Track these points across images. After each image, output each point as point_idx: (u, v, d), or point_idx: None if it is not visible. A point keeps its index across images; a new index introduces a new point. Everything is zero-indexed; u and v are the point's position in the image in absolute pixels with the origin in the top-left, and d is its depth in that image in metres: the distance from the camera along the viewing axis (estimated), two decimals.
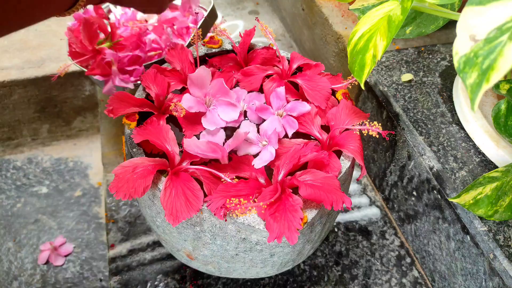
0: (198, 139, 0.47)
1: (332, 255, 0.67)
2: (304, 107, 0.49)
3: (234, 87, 0.54)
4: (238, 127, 0.50)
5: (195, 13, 0.79)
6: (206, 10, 0.81)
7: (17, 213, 0.71)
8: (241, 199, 0.39)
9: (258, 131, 0.49)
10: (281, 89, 0.50)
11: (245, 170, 0.44)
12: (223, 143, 0.48)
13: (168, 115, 0.49)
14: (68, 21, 1.00)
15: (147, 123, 0.47)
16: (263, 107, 0.49)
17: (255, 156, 0.46)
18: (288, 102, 0.51)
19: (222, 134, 0.48)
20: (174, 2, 0.85)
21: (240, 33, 0.56)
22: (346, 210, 0.73)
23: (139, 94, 0.52)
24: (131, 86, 0.64)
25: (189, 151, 0.42)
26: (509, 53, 0.29)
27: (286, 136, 0.49)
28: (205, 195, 0.42)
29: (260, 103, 0.50)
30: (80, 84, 0.86)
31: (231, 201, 0.39)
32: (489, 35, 0.31)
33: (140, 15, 0.78)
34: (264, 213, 0.40)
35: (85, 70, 0.71)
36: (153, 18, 0.79)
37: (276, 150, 0.46)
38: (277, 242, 0.39)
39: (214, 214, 0.40)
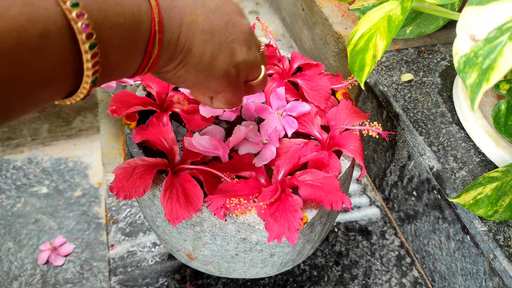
0: None
1: (332, 255, 0.67)
2: (303, 107, 0.49)
3: None
4: (234, 121, 0.50)
5: None
6: None
7: (17, 213, 0.71)
8: (241, 199, 0.39)
9: (258, 130, 0.49)
10: (281, 89, 0.50)
11: (245, 170, 0.44)
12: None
13: (170, 112, 0.49)
14: None
15: (148, 123, 0.47)
16: (263, 107, 0.49)
17: (255, 155, 0.46)
18: (288, 102, 0.51)
19: (222, 133, 0.48)
20: None
21: None
22: (346, 210, 0.73)
23: (140, 93, 0.52)
24: (131, 81, 0.64)
25: (190, 148, 0.42)
26: (509, 53, 0.29)
27: (285, 136, 0.49)
28: (205, 195, 0.42)
29: (259, 103, 0.50)
30: None
31: (231, 201, 0.39)
32: (489, 35, 0.31)
33: None
34: (264, 213, 0.40)
35: None
36: None
37: (276, 149, 0.46)
38: (277, 242, 0.38)
39: (214, 214, 0.40)
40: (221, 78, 0.34)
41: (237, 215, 0.40)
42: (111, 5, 0.24)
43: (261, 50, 0.39)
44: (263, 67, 0.40)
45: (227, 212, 0.40)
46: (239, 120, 0.51)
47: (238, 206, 0.38)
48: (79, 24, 0.21)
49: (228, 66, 0.33)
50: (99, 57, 0.23)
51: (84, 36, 0.22)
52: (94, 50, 0.22)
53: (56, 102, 0.26)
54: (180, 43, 0.30)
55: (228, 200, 0.39)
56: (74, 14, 0.21)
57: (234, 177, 0.43)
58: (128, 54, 0.26)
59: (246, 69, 0.36)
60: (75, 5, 0.21)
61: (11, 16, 0.19)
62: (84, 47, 0.22)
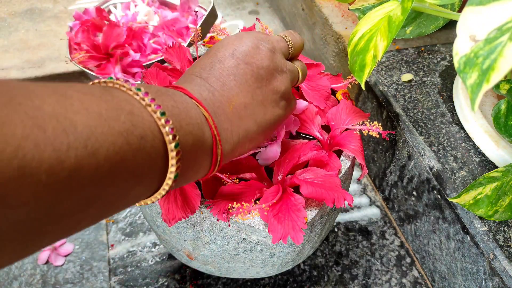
0: None
1: (332, 255, 0.67)
2: (300, 104, 0.49)
3: None
4: None
5: (194, 11, 0.79)
6: (206, 10, 0.81)
7: None
8: (243, 203, 0.38)
9: None
10: None
11: (244, 171, 0.44)
12: None
13: None
14: (69, 21, 1.00)
15: None
16: None
17: (254, 155, 0.46)
18: None
19: None
20: (173, 1, 0.85)
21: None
22: (346, 210, 0.73)
23: None
24: (132, 81, 0.64)
25: None
26: (509, 54, 0.29)
27: (290, 136, 0.49)
28: (203, 196, 0.42)
29: None
30: None
31: (233, 207, 0.38)
32: (489, 35, 0.31)
33: (140, 17, 0.78)
34: (267, 215, 0.40)
35: (85, 69, 0.71)
36: (153, 20, 0.79)
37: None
38: (283, 242, 0.38)
39: (217, 219, 0.40)
40: (282, 117, 0.39)
41: (240, 220, 0.40)
42: (184, 117, 0.29)
43: (289, 47, 0.41)
44: (296, 64, 0.42)
45: (230, 217, 0.40)
46: None
47: (241, 210, 0.38)
48: (167, 128, 0.27)
49: (278, 110, 0.38)
50: (181, 155, 0.28)
51: (170, 137, 0.27)
52: (178, 149, 0.27)
53: (137, 205, 0.30)
54: (233, 135, 0.34)
55: (230, 205, 0.39)
56: (163, 120, 0.27)
57: (235, 178, 0.43)
58: (197, 157, 0.31)
59: (289, 90, 0.40)
60: (163, 113, 0.27)
61: (121, 122, 0.24)
62: (170, 146, 0.27)
